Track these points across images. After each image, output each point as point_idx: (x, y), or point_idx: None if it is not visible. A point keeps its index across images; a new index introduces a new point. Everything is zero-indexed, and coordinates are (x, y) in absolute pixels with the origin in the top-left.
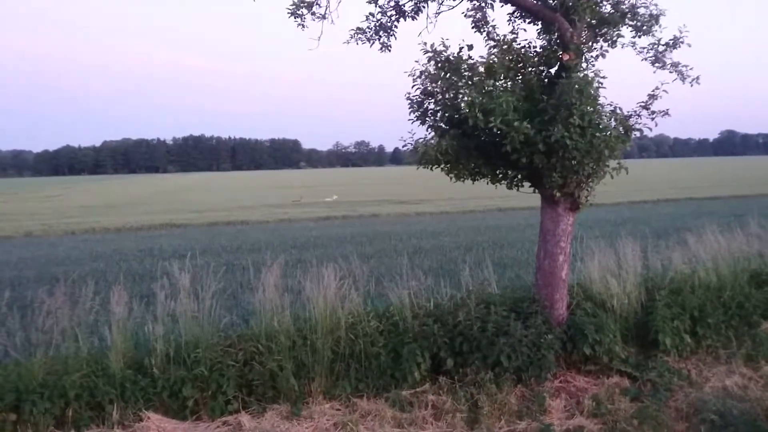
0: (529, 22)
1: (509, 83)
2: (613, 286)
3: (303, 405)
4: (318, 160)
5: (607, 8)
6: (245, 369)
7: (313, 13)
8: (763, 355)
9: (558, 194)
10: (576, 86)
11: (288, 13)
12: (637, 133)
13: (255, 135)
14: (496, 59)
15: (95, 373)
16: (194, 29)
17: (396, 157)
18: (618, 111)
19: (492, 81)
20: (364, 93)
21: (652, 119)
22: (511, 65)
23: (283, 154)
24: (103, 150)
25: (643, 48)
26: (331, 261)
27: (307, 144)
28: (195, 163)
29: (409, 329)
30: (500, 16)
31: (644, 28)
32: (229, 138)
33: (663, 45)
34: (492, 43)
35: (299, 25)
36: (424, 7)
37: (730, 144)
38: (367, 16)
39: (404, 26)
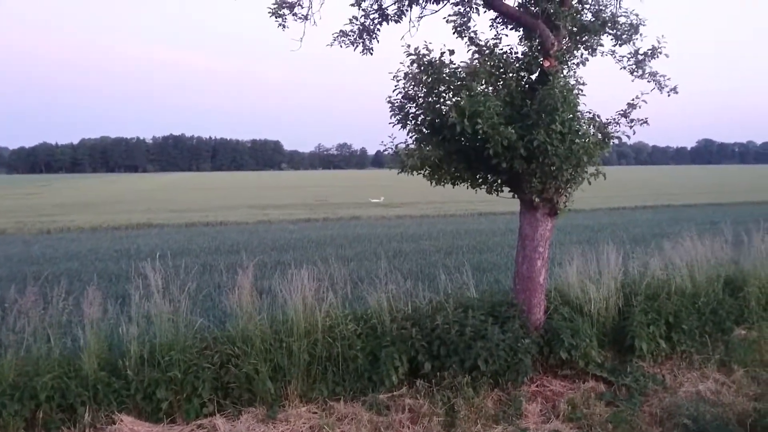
0: (511, 28)
1: (490, 88)
2: (591, 291)
3: (279, 408)
4: (300, 161)
5: (588, 16)
6: (221, 371)
7: (295, 14)
8: (735, 361)
9: (537, 199)
10: (558, 93)
11: (269, 13)
12: (616, 141)
13: (236, 135)
14: (478, 64)
15: (67, 375)
16: (178, 25)
17: (378, 160)
18: (597, 118)
19: (475, 85)
20: (347, 95)
21: (631, 127)
22: (493, 70)
23: (264, 155)
24: (81, 148)
25: (623, 57)
26: (310, 263)
27: (288, 145)
28: (175, 163)
29: (387, 332)
30: (482, 22)
31: (624, 37)
32: (210, 138)
33: (642, 54)
34: (474, 48)
35: (280, 25)
36: (407, 10)
37: (707, 152)
38: (350, 19)
39: (387, 30)
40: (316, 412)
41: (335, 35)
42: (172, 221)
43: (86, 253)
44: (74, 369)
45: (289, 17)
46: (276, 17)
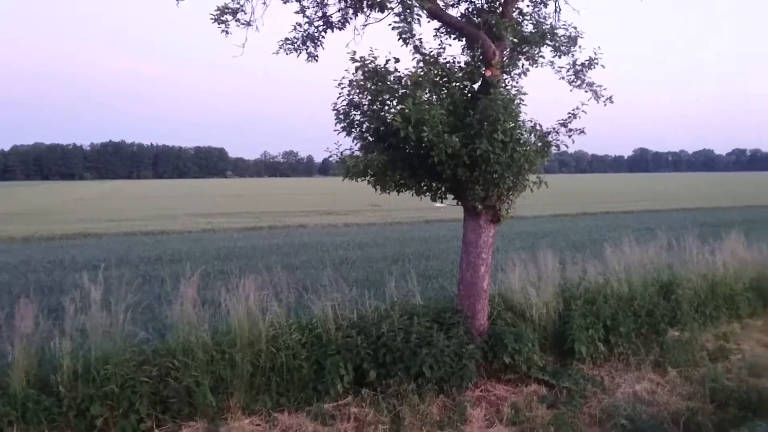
0: (454, 38)
1: (435, 97)
2: (532, 296)
3: (221, 421)
4: (245, 169)
5: (529, 28)
6: (160, 385)
7: (238, 20)
8: (669, 361)
9: (480, 206)
10: (500, 102)
11: (212, 19)
12: (555, 149)
13: (179, 142)
14: (422, 72)
15: None
16: (116, 27)
17: (325, 168)
18: (538, 127)
19: (419, 93)
20: (293, 102)
21: (570, 136)
22: (437, 79)
23: (208, 163)
24: (12, 155)
25: (562, 67)
26: (254, 272)
27: (233, 153)
28: (114, 170)
29: (332, 341)
30: (427, 31)
31: (563, 48)
32: (152, 145)
33: (580, 65)
34: (419, 56)
35: (223, 31)
36: (351, 18)
37: (643, 161)
38: (294, 26)
39: (332, 37)
40: (259, 425)
41: (280, 43)
42: (111, 231)
43: (17, 265)
44: (1, 387)
45: (232, 23)
46: (218, 23)
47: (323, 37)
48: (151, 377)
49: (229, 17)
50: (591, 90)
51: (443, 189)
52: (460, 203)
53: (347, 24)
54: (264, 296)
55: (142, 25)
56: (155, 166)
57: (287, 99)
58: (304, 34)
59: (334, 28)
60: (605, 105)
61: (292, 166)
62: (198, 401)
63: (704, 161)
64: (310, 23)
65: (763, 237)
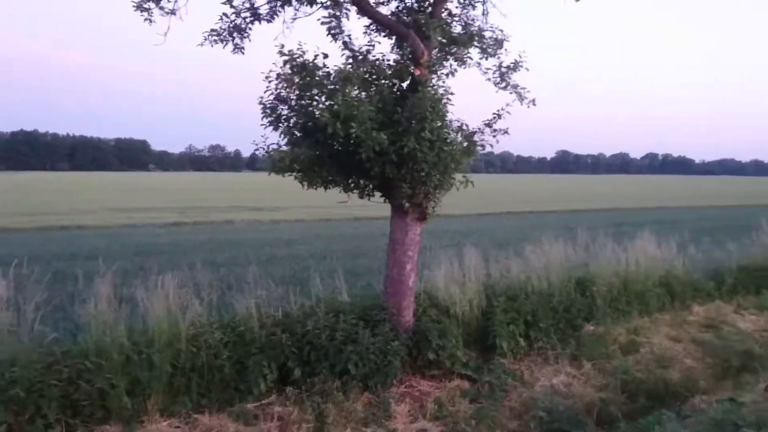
0: (384, 36)
1: (363, 93)
2: (457, 293)
3: (137, 424)
4: (169, 162)
5: (458, 29)
6: (70, 388)
7: (161, 8)
8: (584, 355)
9: (407, 204)
10: (428, 101)
11: (134, 6)
12: (481, 148)
13: (98, 133)
14: (352, 69)
15: None
16: (27, 12)
17: (252, 163)
18: (464, 127)
19: (348, 89)
20: (219, 94)
21: (494, 136)
22: (366, 76)
23: (130, 155)
24: None
25: (488, 69)
26: (176, 269)
27: (156, 145)
28: (27, 162)
29: (256, 339)
30: (357, 28)
31: (489, 50)
32: (68, 135)
33: (505, 68)
34: (348, 53)
35: (146, 19)
36: (280, 11)
37: (565, 163)
38: (221, 17)
39: (261, 29)
40: (178, 427)
41: (205, 34)
42: (21, 225)
43: None
44: None
45: (155, 11)
46: (141, 11)
47: (250, 29)
48: (61, 380)
49: (152, 5)
50: (515, 92)
51: (371, 186)
52: (387, 201)
53: (276, 17)
54: (185, 294)
55: (55, 9)
56: (72, 158)
57: (214, 90)
58: (231, 25)
59: (262, 21)
60: (528, 107)
61: (218, 161)
62: (112, 404)
63: (620, 164)
64: (238, 14)
65: (673, 237)
